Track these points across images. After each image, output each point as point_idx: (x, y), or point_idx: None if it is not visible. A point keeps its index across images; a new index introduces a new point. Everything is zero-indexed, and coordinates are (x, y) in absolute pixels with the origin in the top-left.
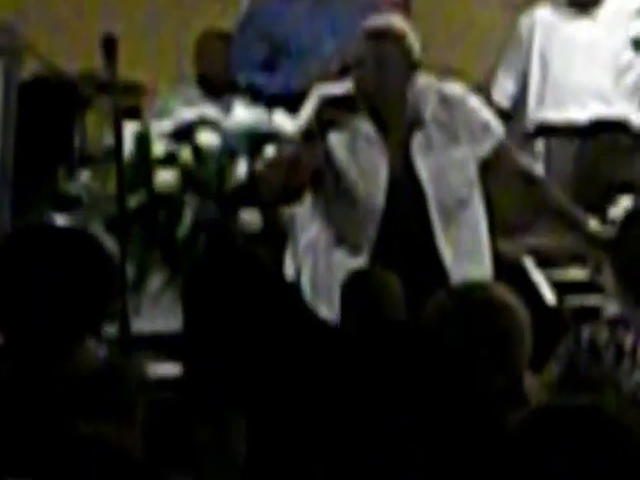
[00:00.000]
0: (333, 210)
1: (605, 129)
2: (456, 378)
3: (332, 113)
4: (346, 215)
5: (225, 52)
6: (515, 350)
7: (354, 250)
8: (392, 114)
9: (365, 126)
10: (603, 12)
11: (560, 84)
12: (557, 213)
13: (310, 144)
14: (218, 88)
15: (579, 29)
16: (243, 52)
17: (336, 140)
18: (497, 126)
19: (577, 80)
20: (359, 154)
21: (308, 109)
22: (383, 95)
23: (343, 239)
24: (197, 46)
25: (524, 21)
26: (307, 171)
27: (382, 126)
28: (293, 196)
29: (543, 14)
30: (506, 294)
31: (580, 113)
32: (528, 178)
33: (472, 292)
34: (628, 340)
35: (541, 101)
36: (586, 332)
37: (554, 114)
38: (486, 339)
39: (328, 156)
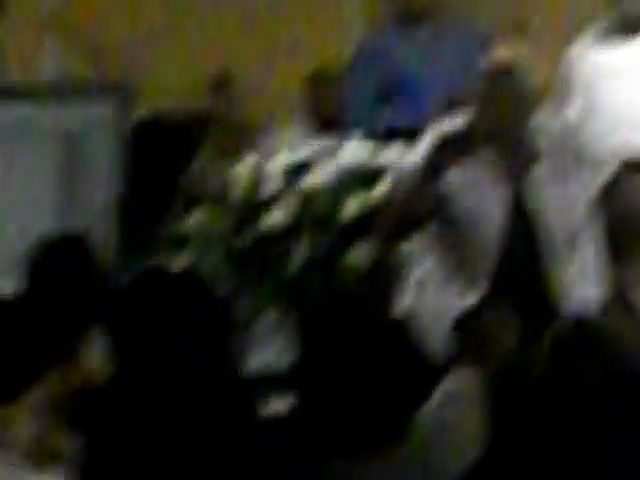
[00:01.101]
0: (448, 245)
1: None
2: (573, 413)
3: (450, 149)
4: (462, 250)
5: (335, 92)
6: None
7: (469, 285)
8: (510, 149)
9: (481, 161)
10: None
11: (607, 112)
12: None
13: (428, 179)
14: (328, 126)
15: (624, 54)
16: (356, 88)
17: (453, 175)
18: (612, 158)
19: (625, 106)
20: (476, 189)
21: (425, 145)
22: (503, 131)
23: (458, 274)
24: (308, 86)
25: (569, 57)
26: (424, 206)
27: (499, 161)
28: (408, 231)
29: (586, 45)
30: (623, 327)
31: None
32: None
33: (588, 326)
34: None
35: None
36: None
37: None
38: (602, 373)
39: (444, 192)
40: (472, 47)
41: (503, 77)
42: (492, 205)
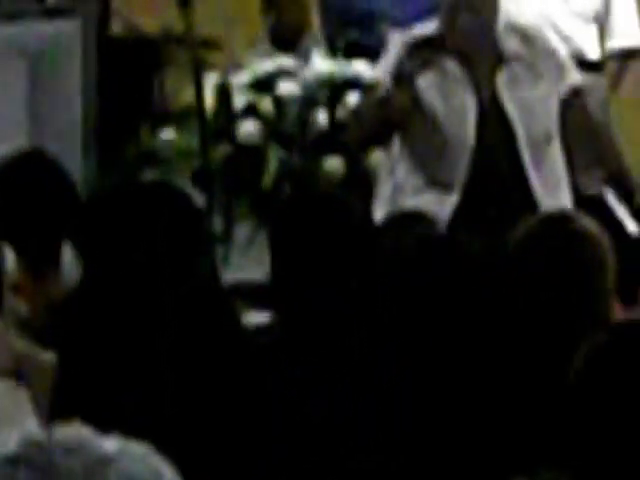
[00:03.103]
0: (422, 151)
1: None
2: (539, 304)
3: (420, 54)
4: (436, 155)
5: (296, 11)
6: (600, 278)
7: (445, 190)
8: (479, 53)
9: (452, 65)
10: None
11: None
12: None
13: (400, 86)
14: (291, 40)
15: None
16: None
17: (424, 81)
18: (574, 68)
19: (530, 11)
20: (447, 93)
21: (392, 53)
22: (473, 35)
23: (433, 180)
24: (267, 5)
25: None
26: (397, 113)
27: (469, 65)
28: (381, 140)
29: None
30: (590, 223)
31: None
32: (593, 125)
33: (558, 220)
34: None
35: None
36: None
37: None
38: (570, 266)
39: (417, 97)
40: None
41: None
42: (463, 109)
